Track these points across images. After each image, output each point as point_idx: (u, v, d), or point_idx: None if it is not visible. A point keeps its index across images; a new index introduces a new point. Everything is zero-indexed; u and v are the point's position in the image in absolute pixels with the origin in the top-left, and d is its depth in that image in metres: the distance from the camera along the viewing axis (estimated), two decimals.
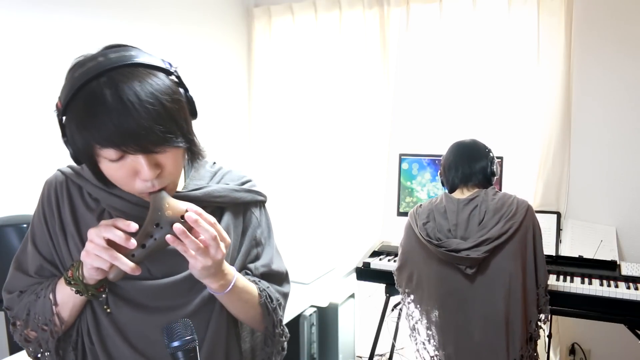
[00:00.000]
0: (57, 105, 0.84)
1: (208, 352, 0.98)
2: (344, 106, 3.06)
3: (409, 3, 2.81)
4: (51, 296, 0.92)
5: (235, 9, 3.22)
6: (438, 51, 2.78)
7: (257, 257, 1.08)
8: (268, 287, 1.06)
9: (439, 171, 1.97)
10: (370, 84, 2.96)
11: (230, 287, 0.93)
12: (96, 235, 0.82)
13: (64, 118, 0.83)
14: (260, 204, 1.12)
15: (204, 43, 2.97)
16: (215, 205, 1.00)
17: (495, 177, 1.89)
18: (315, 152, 3.17)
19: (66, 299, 0.92)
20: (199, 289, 0.97)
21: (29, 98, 2.06)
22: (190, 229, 0.84)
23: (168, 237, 0.83)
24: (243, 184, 1.08)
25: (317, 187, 3.18)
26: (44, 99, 2.06)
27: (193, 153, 0.93)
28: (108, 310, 0.93)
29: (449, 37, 2.75)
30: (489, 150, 1.89)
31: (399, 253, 1.96)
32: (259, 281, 1.05)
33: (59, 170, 1.00)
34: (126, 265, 0.81)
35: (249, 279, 1.03)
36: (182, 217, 0.84)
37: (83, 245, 0.90)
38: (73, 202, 0.96)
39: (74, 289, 0.89)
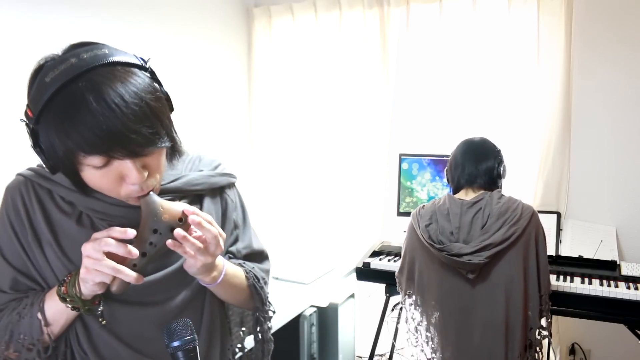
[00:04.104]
0: (26, 112, 0.78)
1: (206, 340, 0.98)
2: (344, 106, 3.06)
3: (409, 3, 2.81)
4: (40, 315, 0.86)
5: (235, 9, 3.22)
6: (438, 51, 2.78)
7: (236, 239, 1.09)
8: (253, 267, 1.08)
9: (446, 168, 1.94)
10: (370, 84, 2.96)
11: (222, 276, 0.94)
12: (93, 250, 0.79)
13: (36, 126, 0.78)
14: (233, 185, 1.12)
15: (203, 43, 2.97)
16: (194, 194, 1.00)
17: (503, 179, 1.85)
18: (316, 152, 3.17)
19: (58, 316, 0.86)
20: (189, 280, 0.97)
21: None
22: (187, 229, 0.83)
23: (169, 242, 0.81)
24: (215, 168, 1.07)
25: (317, 187, 3.18)
26: None
27: (174, 151, 0.91)
28: (103, 322, 0.89)
29: (449, 37, 2.75)
30: (498, 151, 1.85)
31: (402, 254, 1.95)
32: (244, 263, 1.07)
33: (19, 174, 0.93)
34: (130, 276, 0.79)
35: (234, 262, 1.04)
36: (180, 219, 0.83)
37: (63, 253, 0.88)
38: (45, 207, 0.89)
39: (69, 305, 0.84)
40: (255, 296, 1.05)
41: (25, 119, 0.79)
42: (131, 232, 0.80)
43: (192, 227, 0.85)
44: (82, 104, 0.73)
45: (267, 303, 1.10)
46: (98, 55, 0.77)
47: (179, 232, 0.81)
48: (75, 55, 0.77)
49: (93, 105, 0.73)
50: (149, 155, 0.81)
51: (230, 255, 1.07)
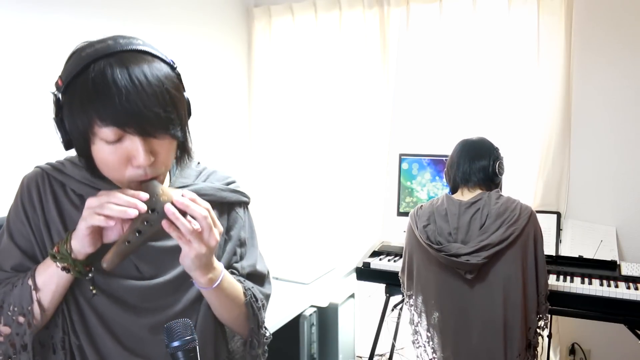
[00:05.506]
0: (57, 83, 0.84)
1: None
2: (344, 106, 3.06)
3: (409, 3, 2.81)
4: (30, 282, 0.87)
5: (235, 9, 3.22)
6: (438, 51, 2.78)
7: (241, 257, 1.09)
8: (252, 286, 1.06)
9: (445, 169, 1.95)
10: (370, 84, 2.96)
11: (219, 281, 0.93)
12: (105, 197, 0.82)
13: (61, 97, 0.83)
14: (244, 205, 1.13)
15: (204, 43, 2.97)
16: None
17: (500, 178, 1.85)
18: (316, 152, 3.17)
19: (48, 280, 0.87)
20: (185, 288, 0.98)
21: (28, 98, 2.06)
22: (184, 215, 0.83)
23: (163, 222, 0.82)
24: (228, 184, 1.08)
25: (317, 187, 3.18)
26: (44, 99, 2.06)
27: (184, 150, 0.93)
28: (94, 291, 0.90)
29: (449, 37, 2.75)
30: (496, 149, 1.85)
31: (403, 254, 1.95)
32: (244, 280, 1.06)
33: (37, 167, 0.98)
34: (125, 212, 0.80)
35: (235, 278, 1.03)
36: None
37: None
38: (57, 198, 0.94)
39: (59, 264, 0.85)
40: (252, 317, 1.03)
41: (54, 90, 0.84)
42: (144, 195, 0.83)
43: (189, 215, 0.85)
44: (110, 76, 0.78)
45: (263, 327, 1.08)
46: (132, 42, 0.84)
47: (168, 207, 0.82)
48: (113, 39, 0.83)
49: (118, 77, 0.78)
50: (159, 139, 0.84)
51: (233, 271, 1.06)
